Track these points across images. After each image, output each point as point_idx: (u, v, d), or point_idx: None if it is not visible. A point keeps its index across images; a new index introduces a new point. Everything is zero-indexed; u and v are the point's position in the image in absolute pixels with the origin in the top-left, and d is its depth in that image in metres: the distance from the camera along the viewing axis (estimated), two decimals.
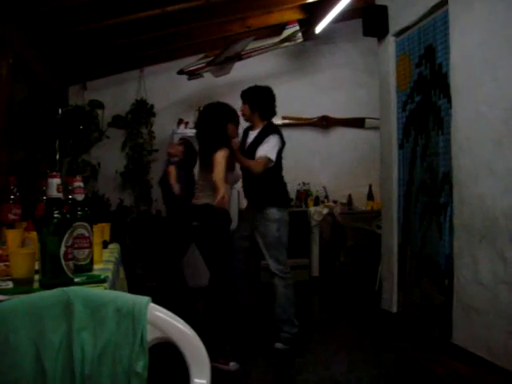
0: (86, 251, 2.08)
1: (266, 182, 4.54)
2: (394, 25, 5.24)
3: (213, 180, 4.04)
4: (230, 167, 4.22)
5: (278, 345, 4.51)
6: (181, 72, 6.84)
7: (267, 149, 4.45)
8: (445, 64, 4.36)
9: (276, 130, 4.66)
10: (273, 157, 4.46)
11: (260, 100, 4.68)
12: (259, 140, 4.55)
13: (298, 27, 6.87)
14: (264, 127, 4.65)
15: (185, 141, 6.16)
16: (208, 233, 4.17)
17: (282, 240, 4.54)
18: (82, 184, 2.16)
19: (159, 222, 6.22)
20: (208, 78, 7.05)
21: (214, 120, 4.25)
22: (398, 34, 5.25)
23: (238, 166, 4.55)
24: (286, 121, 7.72)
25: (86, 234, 2.08)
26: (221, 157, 4.07)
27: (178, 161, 5.88)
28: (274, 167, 4.55)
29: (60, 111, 6.84)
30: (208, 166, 4.16)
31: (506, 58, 3.67)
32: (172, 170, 5.76)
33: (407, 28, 5.02)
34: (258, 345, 4.67)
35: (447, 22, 4.31)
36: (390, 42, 5.35)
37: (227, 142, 4.21)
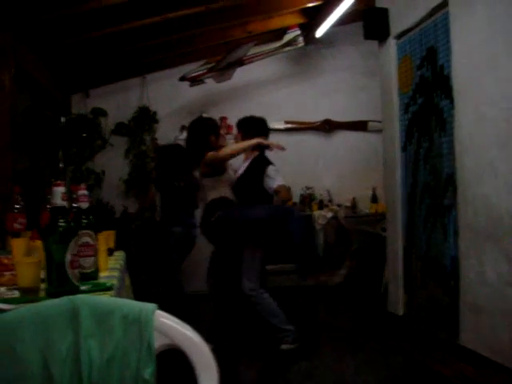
0: (92, 259, 2.08)
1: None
2: (395, 27, 5.25)
3: (209, 182, 4.57)
4: (221, 170, 4.61)
5: (284, 346, 4.51)
6: (182, 78, 6.85)
7: (278, 178, 4.65)
8: (446, 65, 4.36)
9: (268, 160, 4.79)
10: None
11: (252, 131, 4.78)
12: (251, 171, 4.72)
13: (299, 31, 6.88)
14: (255, 158, 4.79)
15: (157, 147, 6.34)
16: (228, 222, 4.45)
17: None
18: (86, 192, 2.17)
19: (162, 229, 6.19)
20: (210, 84, 7.06)
21: (197, 135, 4.70)
22: (399, 37, 5.25)
23: (230, 170, 4.82)
24: (289, 125, 7.73)
25: (91, 242, 2.09)
26: (211, 153, 4.53)
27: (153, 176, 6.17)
28: (267, 192, 4.70)
29: (63, 119, 6.86)
30: (202, 174, 4.65)
31: (507, 58, 3.67)
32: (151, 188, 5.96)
33: (408, 30, 5.02)
34: (265, 349, 4.66)
35: (448, 24, 4.31)
36: (391, 44, 5.35)
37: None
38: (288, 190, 4.70)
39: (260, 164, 4.71)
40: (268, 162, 4.75)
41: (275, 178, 4.63)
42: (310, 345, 4.72)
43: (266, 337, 4.74)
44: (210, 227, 4.54)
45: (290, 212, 4.59)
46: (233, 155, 4.59)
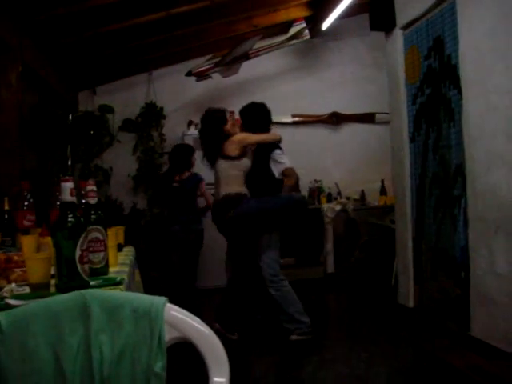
0: (101, 254, 2.08)
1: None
2: (401, 18, 5.22)
3: (229, 172, 4.56)
4: (242, 155, 4.62)
5: (294, 337, 4.51)
6: (189, 74, 6.84)
7: (285, 161, 4.70)
8: (454, 55, 4.34)
9: (274, 144, 4.78)
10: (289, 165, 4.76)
11: (253, 117, 4.85)
12: (258, 156, 4.74)
13: (304, 24, 6.87)
14: (260, 144, 4.80)
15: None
16: (242, 220, 4.49)
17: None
18: (94, 188, 2.16)
19: (164, 229, 6.25)
20: (216, 78, 7.05)
21: (210, 128, 4.71)
22: (405, 27, 5.22)
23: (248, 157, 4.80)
24: (296, 118, 7.72)
25: (101, 238, 2.09)
26: (240, 136, 4.65)
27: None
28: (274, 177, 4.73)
29: (70, 117, 6.87)
30: (224, 157, 4.59)
31: None
32: None
33: (415, 20, 4.99)
34: (277, 342, 4.66)
35: (455, 13, 4.28)
36: (398, 35, 5.32)
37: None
38: (294, 173, 4.72)
39: (266, 148, 4.71)
40: (274, 146, 4.73)
41: (282, 162, 4.66)
42: (320, 337, 4.71)
43: (278, 330, 4.74)
44: (225, 225, 4.55)
45: (302, 203, 4.73)
46: (257, 143, 4.71)
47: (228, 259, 4.94)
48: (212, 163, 4.74)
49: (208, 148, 4.74)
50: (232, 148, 4.57)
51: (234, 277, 4.81)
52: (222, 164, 4.62)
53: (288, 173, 4.66)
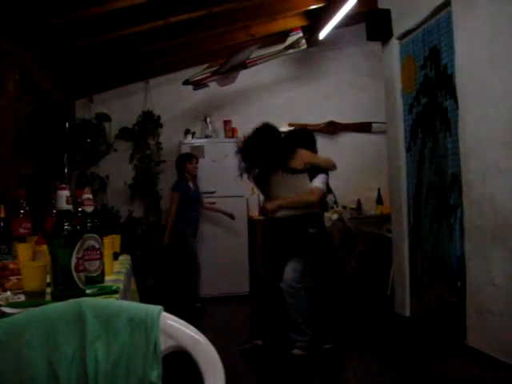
0: (97, 263, 2.08)
1: None
2: (398, 28, 5.24)
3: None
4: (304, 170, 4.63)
5: (296, 351, 4.49)
6: (186, 82, 6.85)
7: (318, 181, 4.68)
8: (450, 65, 4.36)
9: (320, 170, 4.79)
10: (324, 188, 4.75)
11: (306, 143, 4.94)
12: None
13: (301, 34, 6.88)
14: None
15: None
16: (322, 238, 4.66)
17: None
18: (91, 196, 2.16)
19: (176, 235, 6.37)
20: (213, 87, 7.06)
21: (272, 140, 4.70)
22: (401, 37, 5.24)
23: None
24: (293, 128, 7.71)
25: (97, 246, 2.08)
26: (309, 153, 4.72)
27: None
28: None
29: (67, 125, 6.87)
30: (290, 170, 4.53)
31: (511, 56, 3.66)
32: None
33: (411, 30, 5.02)
34: (274, 352, 4.65)
35: (451, 23, 4.30)
36: (395, 45, 5.34)
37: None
38: (318, 193, 4.66)
39: (315, 170, 4.70)
40: (320, 171, 4.73)
41: (316, 183, 4.65)
42: (318, 347, 4.70)
43: (276, 339, 4.73)
44: (304, 239, 4.55)
45: None
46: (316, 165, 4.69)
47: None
48: (265, 176, 4.67)
49: (266, 160, 4.64)
50: (299, 162, 4.54)
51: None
52: (291, 178, 4.54)
53: (313, 190, 4.62)
